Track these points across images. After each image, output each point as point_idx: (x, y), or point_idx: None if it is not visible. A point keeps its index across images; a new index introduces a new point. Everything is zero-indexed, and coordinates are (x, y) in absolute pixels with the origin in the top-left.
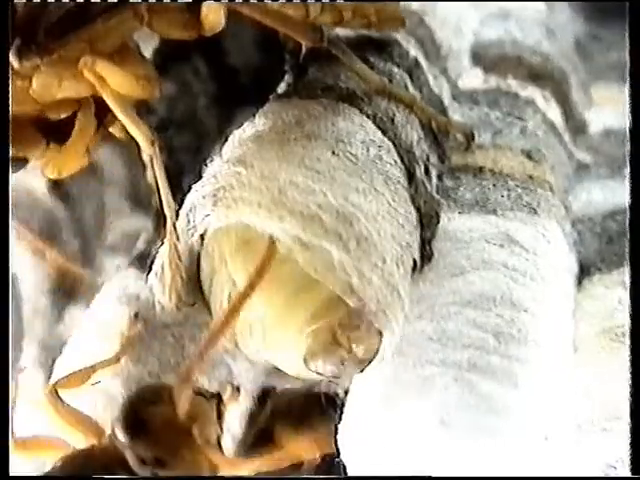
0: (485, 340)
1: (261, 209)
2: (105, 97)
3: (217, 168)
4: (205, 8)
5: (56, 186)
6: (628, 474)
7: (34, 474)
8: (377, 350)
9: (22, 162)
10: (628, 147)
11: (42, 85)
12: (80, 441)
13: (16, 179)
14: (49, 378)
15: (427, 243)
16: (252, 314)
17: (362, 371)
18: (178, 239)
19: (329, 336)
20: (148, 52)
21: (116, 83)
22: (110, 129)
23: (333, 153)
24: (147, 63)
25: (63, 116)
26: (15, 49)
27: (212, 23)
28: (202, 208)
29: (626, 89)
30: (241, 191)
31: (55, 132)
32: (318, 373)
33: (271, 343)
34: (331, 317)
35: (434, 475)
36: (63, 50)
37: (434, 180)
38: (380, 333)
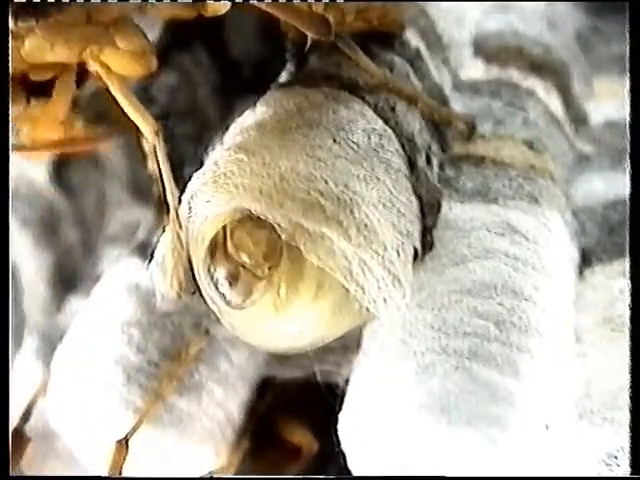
0: (486, 328)
1: (262, 195)
2: (111, 87)
3: (218, 155)
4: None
5: (56, 176)
6: (628, 466)
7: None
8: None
9: None
10: (629, 139)
11: (34, 47)
12: None
13: (16, 169)
14: (49, 368)
15: (428, 232)
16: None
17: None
18: (181, 227)
19: None
20: None
21: (119, 66)
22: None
23: (334, 141)
24: (143, 36)
25: (45, 78)
26: (12, 10)
27: (215, 7)
28: (203, 195)
29: (627, 82)
30: (242, 178)
31: (36, 91)
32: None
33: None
34: None
35: (435, 467)
36: (60, 16)
37: (435, 169)
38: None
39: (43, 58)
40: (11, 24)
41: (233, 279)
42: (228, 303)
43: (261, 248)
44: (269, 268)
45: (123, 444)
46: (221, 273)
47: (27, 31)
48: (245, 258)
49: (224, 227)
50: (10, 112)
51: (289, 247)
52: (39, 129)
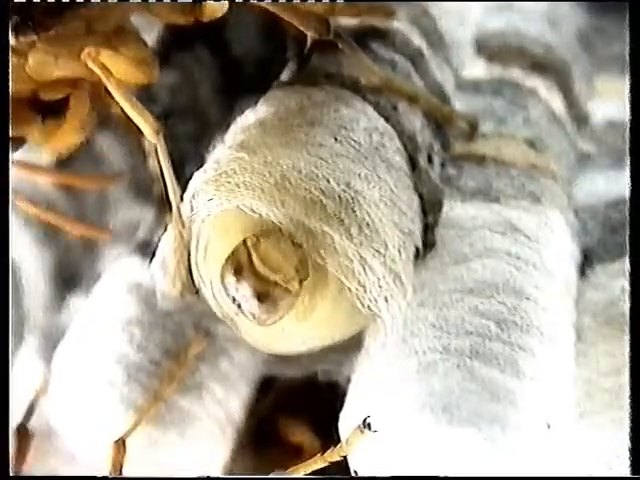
0: (487, 327)
1: (264, 194)
2: (110, 88)
3: (219, 154)
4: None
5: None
6: (628, 466)
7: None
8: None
9: (19, 142)
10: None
11: (38, 62)
12: None
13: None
14: (50, 367)
15: (430, 230)
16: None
17: (263, 315)
18: (184, 226)
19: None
20: (150, 41)
21: (119, 71)
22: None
23: (335, 139)
24: (144, 46)
25: (57, 97)
26: (12, 25)
27: (213, 10)
28: (204, 193)
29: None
30: (243, 176)
31: (50, 111)
32: (227, 292)
33: (210, 256)
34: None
35: (436, 466)
36: (60, 27)
37: (437, 168)
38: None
39: (50, 73)
40: (12, 40)
41: (263, 297)
42: (255, 320)
43: (292, 262)
44: (300, 281)
45: (120, 444)
46: (248, 291)
47: (29, 46)
48: (278, 275)
49: (244, 242)
50: (11, 113)
51: (311, 256)
52: (61, 147)
